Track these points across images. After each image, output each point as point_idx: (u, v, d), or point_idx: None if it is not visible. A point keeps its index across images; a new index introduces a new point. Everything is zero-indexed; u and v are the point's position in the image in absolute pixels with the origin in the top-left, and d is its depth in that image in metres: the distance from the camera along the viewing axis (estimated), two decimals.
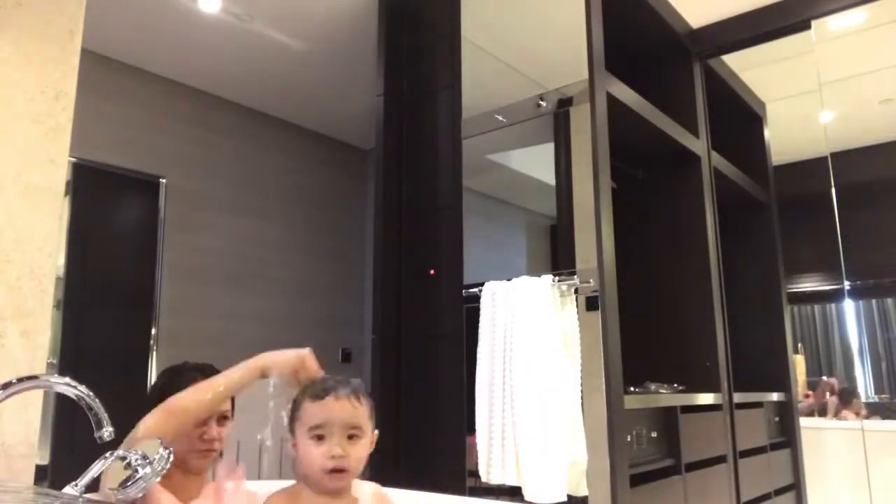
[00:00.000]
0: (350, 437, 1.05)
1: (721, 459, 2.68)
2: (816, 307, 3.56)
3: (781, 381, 3.38)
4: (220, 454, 1.32)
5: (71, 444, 3.04)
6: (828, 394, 3.46)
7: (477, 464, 2.17)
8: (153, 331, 3.57)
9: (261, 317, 4.06)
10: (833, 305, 3.48)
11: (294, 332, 4.17)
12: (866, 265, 3.24)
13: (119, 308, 3.48)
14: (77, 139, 1.47)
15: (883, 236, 3.28)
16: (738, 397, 2.86)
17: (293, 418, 1.09)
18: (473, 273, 2.42)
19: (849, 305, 3.33)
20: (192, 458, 1.26)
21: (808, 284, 3.60)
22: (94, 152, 3.43)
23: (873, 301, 3.30)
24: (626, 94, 2.42)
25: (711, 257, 2.84)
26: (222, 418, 1.30)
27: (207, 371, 1.30)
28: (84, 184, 3.39)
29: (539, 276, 2.17)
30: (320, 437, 1.04)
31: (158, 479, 1.11)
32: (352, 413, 1.06)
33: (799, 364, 3.52)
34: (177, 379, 1.27)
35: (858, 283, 3.17)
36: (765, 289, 3.46)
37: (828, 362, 3.58)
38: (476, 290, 2.32)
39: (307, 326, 4.30)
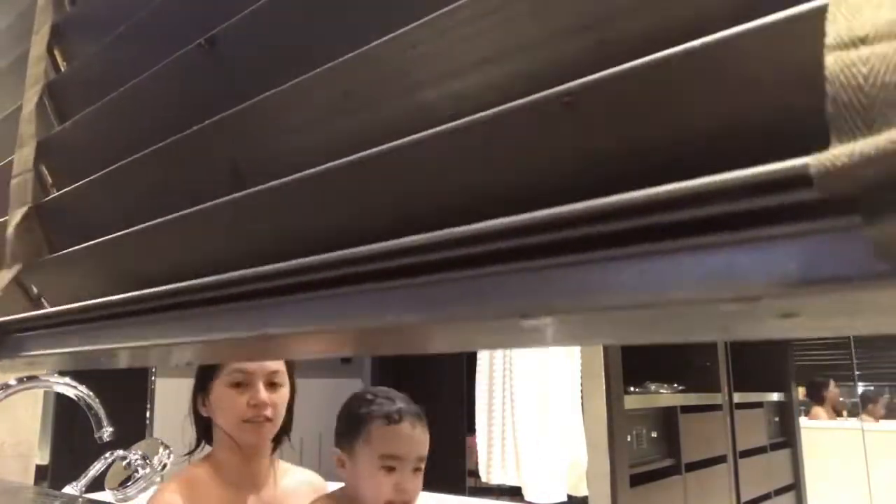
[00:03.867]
0: (415, 470, 0.98)
1: (721, 459, 2.67)
2: None
3: (781, 381, 3.37)
4: (282, 435, 1.13)
5: (71, 444, 3.04)
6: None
7: (477, 464, 2.17)
8: None
9: None
10: None
11: None
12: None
13: None
14: None
15: None
16: (738, 397, 2.85)
17: (352, 434, 0.98)
18: None
19: None
20: (243, 432, 1.06)
21: None
22: None
23: None
24: None
25: None
26: (270, 385, 1.08)
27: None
28: None
29: None
30: (391, 469, 0.95)
31: (158, 478, 1.11)
32: (424, 444, 0.99)
33: None
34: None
35: None
36: None
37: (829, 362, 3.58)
38: None
39: None
